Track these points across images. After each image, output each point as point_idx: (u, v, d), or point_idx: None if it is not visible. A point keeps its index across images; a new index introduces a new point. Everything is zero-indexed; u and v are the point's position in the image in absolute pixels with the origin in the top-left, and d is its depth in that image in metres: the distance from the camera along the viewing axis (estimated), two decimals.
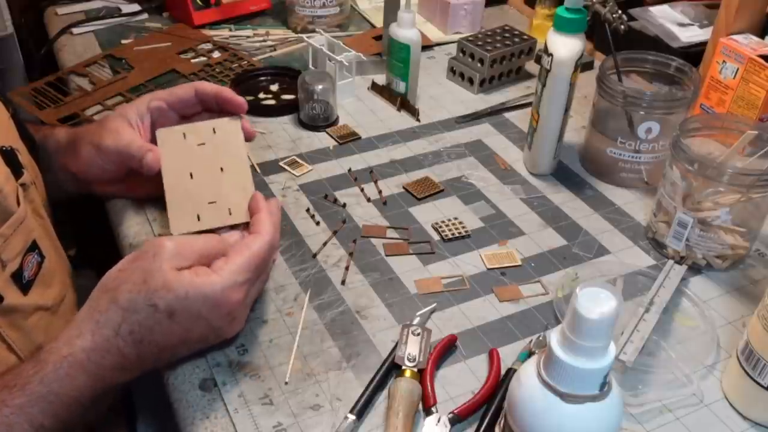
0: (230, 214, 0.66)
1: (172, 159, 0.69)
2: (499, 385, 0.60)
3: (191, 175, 0.68)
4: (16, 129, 0.69)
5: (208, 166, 0.68)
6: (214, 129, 0.70)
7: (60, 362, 0.54)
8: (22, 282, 0.63)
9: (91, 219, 0.82)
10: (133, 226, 0.77)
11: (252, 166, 0.71)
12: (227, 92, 0.73)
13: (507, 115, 1.00)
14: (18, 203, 0.62)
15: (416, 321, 0.66)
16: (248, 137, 0.72)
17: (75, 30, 1.18)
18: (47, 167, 0.74)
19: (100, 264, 0.85)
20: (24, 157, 0.67)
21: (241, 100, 0.72)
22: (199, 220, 0.66)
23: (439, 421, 0.57)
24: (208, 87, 0.73)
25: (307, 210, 0.80)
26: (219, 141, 0.69)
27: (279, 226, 0.64)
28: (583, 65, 0.87)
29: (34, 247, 0.65)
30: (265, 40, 1.18)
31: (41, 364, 0.54)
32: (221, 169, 0.68)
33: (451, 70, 1.07)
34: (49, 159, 0.76)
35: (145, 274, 0.55)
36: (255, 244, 0.60)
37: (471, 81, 1.04)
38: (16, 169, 0.64)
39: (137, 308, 0.55)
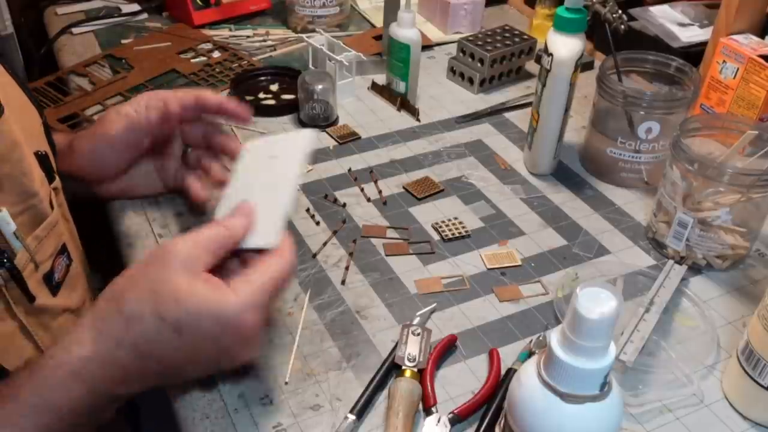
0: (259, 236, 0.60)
1: (242, 173, 0.66)
2: (499, 385, 0.60)
3: (249, 188, 0.64)
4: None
5: (265, 182, 0.64)
6: (286, 141, 0.66)
7: (55, 370, 0.51)
8: (52, 283, 0.62)
9: (90, 220, 0.82)
10: (133, 226, 0.77)
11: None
12: (231, 104, 0.71)
13: (507, 115, 1.00)
14: (52, 207, 0.63)
15: (416, 321, 0.66)
16: (241, 118, 0.71)
17: (75, 30, 1.18)
18: None
19: (101, 265, 0.85)
20: (53, 162, 0.68)
21: (246, 113, 0.71)
22: None
23: (439, 421, 0.57)
24: (212, 98, 0.72)
25: (307, 210, 0.80)
26: (285, 155, 0.65)
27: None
28: (583, 65, 0.87)
29: (64, 249, 0.65)
30: (265, 40, 1.18)
31: (36, 372, 0.51)
32: (273, 186, 0.62)
33: (451, 70, 1.07)
34: None
35: (154, 284, 0.51)
36: (276, 265, 0.54)
37: (471, 81, 1.04)
38: (50, 173, 0.64)
39: (143, 319, 0.51)
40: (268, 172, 0.64)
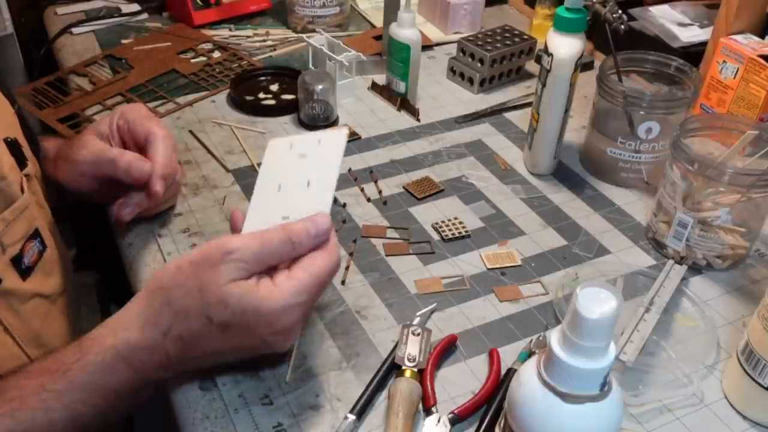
0: None
1: (269, 170, 0.64)
2: (499, 385, 0.60)
3: (279, 187, 0.62)
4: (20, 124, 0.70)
5: (298, 179, 0.62)
6: (319, 140, 0.64)
7: (104, 352, 0.53)
8: (22, 267, 0.63)
9: (90, 219, 0.82)
10: (133, 224, 0.77)
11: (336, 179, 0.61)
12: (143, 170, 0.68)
13: (507, 115, 1.00)
14: (22, 191, 0.63)
15: (416, 321, 0.66)
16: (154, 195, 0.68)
17: (75, 30, 1.18)
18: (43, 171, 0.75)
19: (100, 264, 0.85)
20: (26, 150, 0.68)
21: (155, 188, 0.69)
22: None
23: (439, 421, 0.57)
24: (139, 165, 0.68)
25: None
26: (319, 154, 0.63)
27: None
28: (583, 65, 0.87)
29: (36, 235, 0.65)
30: (265, 40, 1.18)
31: (84, 352, 0.53)
32: (308, 182, 0.61)
33: (451, 70, 1.07)
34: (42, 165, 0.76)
35: (202, 284, 0.53)
36: (320, 262, 0.55)
37: (471, 81, 1.04)
38: (21, 160, 0.65)
39: (189, 316, 0.53)
40: (298, 173, 0.62)
